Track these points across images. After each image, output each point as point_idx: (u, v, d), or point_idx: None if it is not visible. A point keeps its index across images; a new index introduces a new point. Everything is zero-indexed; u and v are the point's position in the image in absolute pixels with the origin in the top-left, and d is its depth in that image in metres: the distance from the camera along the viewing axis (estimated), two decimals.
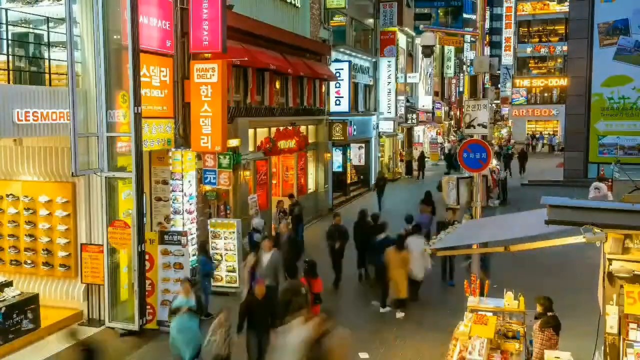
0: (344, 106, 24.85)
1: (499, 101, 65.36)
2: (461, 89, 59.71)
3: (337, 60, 24.59)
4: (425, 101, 42.17)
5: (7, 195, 11.89)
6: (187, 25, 12.95)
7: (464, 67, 61.68)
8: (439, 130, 50.13)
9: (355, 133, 25.93)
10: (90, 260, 10.94)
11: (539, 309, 8.27)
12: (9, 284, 10.69)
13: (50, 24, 10.67)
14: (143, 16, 11.37)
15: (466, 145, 10.81)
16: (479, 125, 11.53)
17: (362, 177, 29.59)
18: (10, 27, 11.14)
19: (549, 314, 8.15)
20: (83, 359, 7.03)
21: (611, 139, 30.20)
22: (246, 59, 14.60)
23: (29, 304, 10.40)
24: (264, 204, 17.19)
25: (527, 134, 54.49)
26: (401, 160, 36.02)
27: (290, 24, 19.27)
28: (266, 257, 11.05)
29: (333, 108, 23.97)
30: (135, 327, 10.74)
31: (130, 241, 10.60)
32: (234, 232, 13.16)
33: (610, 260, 6.23)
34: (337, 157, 26.11)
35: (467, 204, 11.03)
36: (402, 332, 10.87)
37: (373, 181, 30.14)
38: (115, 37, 10.77)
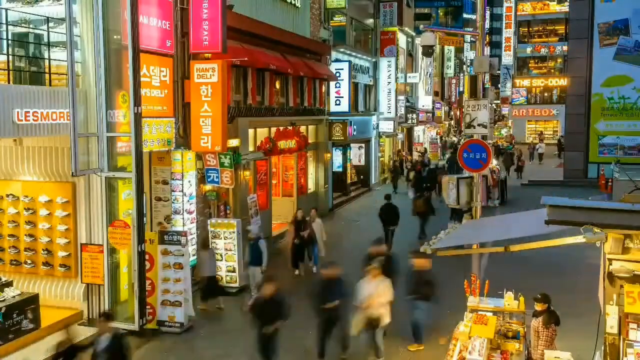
0: (344, 106, 24.84)
1: (499, 101, 65.32)
2: (461, 89, 59.64)
3: (337, 60, 24.58)
4: (425, 101, 42.14)
5: (7, 195, 11.89)
6: (187, 25, 12.95)
7: (464, 67, 61.69)
8: (439, 130, 50.09)
9: (355, 133, 25.91)
10: (90, 260, 10.93)
11: (538, 306, 8.27)
12: (9, 284, 10.69)
13: (50, 24, 10.66)
14: (143, 16, 11.36)
15: (466, 145, 10.81)
16: (479, 125, 11.54)
17: (362, 177, 29.58)
18: (10, 27, 11.15)
19: (551, 309, 8.18)
20: None
21: (611, 139, 30.22)
22: (246, 59, 14.60)
23: (29, 304, 10.40)
24: (263, 204, 17.19)
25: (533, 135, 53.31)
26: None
27: (290, 24, 19.26)
28: None
29: (333, 108, 23.96)
30: (135, 327, 10.72)
31: (130, 241, 10.59)
32: (234, 232, 13.18)
33: (610, 260, 6.23)
34: (337, 157, 26.09)
35: (467, 204, 11.03)
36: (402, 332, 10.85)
37: (373, 181, 30.14)
38: (115, 37, 10.77)
